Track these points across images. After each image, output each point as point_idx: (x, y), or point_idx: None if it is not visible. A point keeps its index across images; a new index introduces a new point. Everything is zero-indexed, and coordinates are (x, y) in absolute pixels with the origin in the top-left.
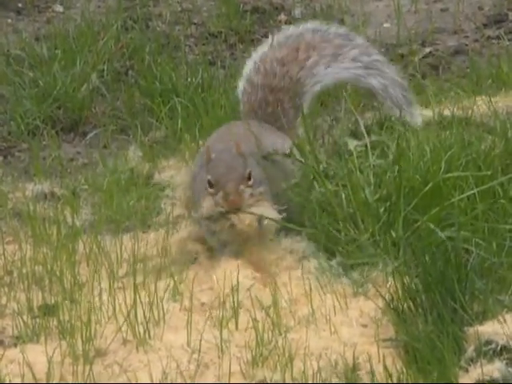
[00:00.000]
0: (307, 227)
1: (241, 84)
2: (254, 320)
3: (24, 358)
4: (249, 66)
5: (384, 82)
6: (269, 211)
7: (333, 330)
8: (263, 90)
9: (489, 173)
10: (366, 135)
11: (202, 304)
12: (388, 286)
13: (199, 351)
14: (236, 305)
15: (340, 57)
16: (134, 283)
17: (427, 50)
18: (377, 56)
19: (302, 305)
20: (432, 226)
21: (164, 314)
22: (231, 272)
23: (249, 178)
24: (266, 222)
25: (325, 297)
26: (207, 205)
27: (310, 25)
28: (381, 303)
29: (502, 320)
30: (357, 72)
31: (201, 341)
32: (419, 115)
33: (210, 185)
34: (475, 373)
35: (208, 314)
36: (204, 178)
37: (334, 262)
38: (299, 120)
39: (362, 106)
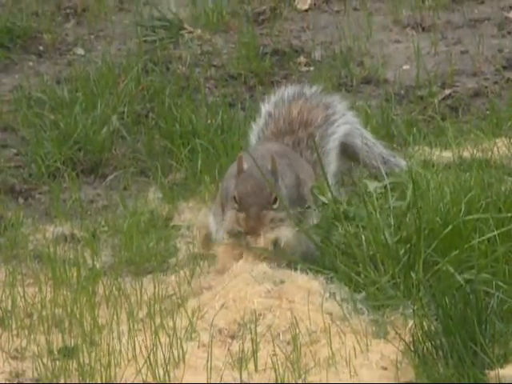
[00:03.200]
0: (327, 268)
1: None
2: (273, 355)
3: None
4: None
5: (366, 141)
6: (286, 234)
7: (353, 372)
8: None
9: (509, 215)
10: (385, 177)
11: (220, 331)
12: (408, 328)
13: None
14: (255, 346)
15: (332, 117)
16: (155, 325)
17: (447, 91)
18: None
19: (321, 345)
20: (452, 268)
21: (184, 355)
22: (246, 292)
23: (274, 202)
24: (282, 244)
25: (345, 338)
26: (230, 219)
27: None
28: (401, 346)
29: None
30: (347, 127)
31: (221, 383)
32: (402, 160)
33: (235, 201)
34: None
35: (227, 347)
36: (232, 188)
37: (359, 296)
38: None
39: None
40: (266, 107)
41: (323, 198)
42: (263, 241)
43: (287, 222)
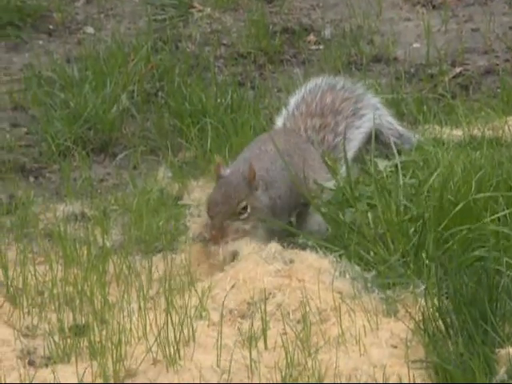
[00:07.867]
0: (338, 246)
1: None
2: (283, 334)
3: (55, 378)
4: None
5: (388, 119)
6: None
7: (363, 350)
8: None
9: None
10: (396, 155)
11: (230, 311)
12: (418, 306)
13: (229, 372)
14: (264, 324)
15: (361, 111)
16: (167, 303)
17: (457, 70)
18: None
19: (331, 324)
20: (463, 247)
21: (194, 333)
22: (256, 272)
23: (242, 212)
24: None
25: (355, 316)
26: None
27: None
28: (411, 324)
29: None
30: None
31: (231, 361)
32: (414, 135)
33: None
34: None
35: (237, 327)
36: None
37: (369, 275)
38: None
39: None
40: (300, 92)
41: (330, 185)
42: (221, 252)
43: (254, 233)
